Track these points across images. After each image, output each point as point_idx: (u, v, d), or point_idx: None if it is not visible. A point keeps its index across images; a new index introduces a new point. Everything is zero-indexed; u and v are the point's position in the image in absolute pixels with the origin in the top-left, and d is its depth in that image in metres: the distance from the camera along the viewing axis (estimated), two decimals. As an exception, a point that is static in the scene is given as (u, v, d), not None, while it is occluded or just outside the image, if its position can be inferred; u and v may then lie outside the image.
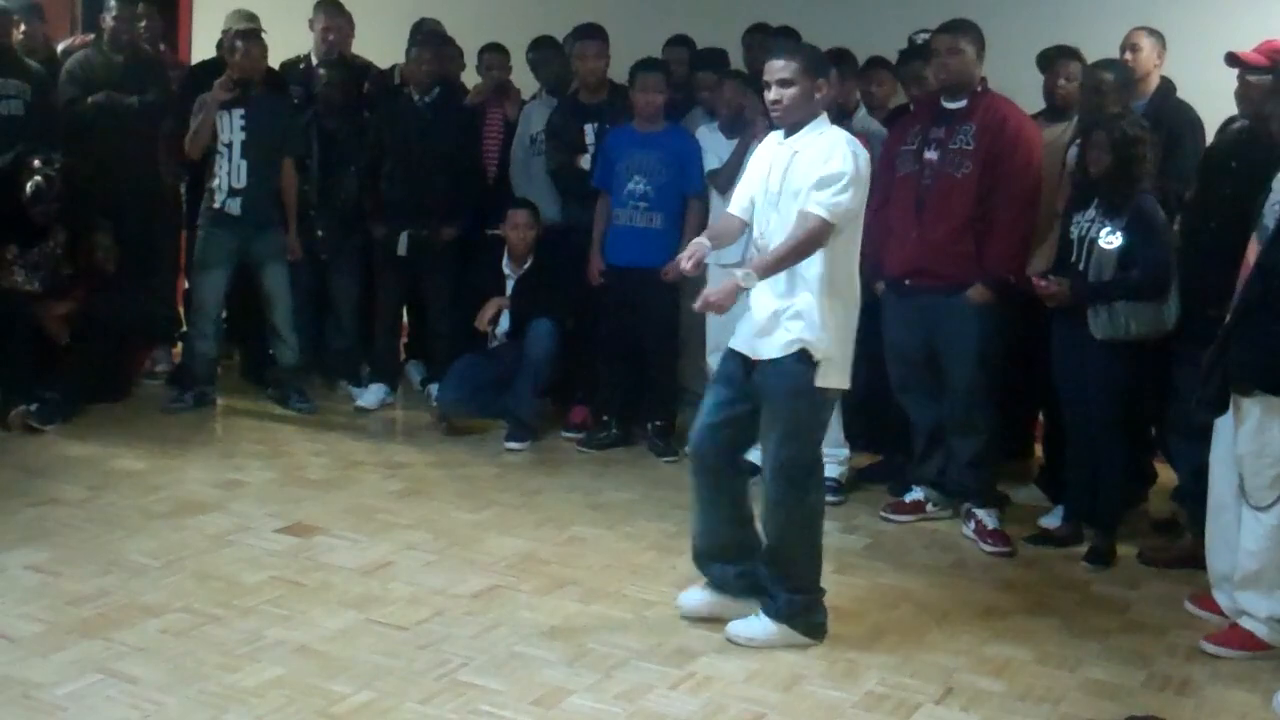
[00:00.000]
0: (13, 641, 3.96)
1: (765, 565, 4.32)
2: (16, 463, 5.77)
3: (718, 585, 4.42)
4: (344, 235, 7.14)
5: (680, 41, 7.04)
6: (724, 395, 4.37)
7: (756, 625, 4.25)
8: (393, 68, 7.44)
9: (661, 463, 6.29)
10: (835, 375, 4.22)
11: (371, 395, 7.05)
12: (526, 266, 6.65)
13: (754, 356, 4.25)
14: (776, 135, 4.36)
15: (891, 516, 5.60)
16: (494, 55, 7.26)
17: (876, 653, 4.24)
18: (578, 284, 6.54)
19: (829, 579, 4.82)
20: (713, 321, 6.33)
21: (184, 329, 7.41)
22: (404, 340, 7.57)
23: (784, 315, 4.16)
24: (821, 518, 4.35)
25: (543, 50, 7.09)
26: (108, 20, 7.13)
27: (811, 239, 4.09)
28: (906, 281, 5.47)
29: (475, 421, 6.67)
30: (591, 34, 6.65)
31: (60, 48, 7.56)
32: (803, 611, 4.27)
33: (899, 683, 4.02)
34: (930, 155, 5.41)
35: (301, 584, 4.55)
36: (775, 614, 4.25)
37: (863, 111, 6.21)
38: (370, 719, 3.61)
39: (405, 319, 7.48)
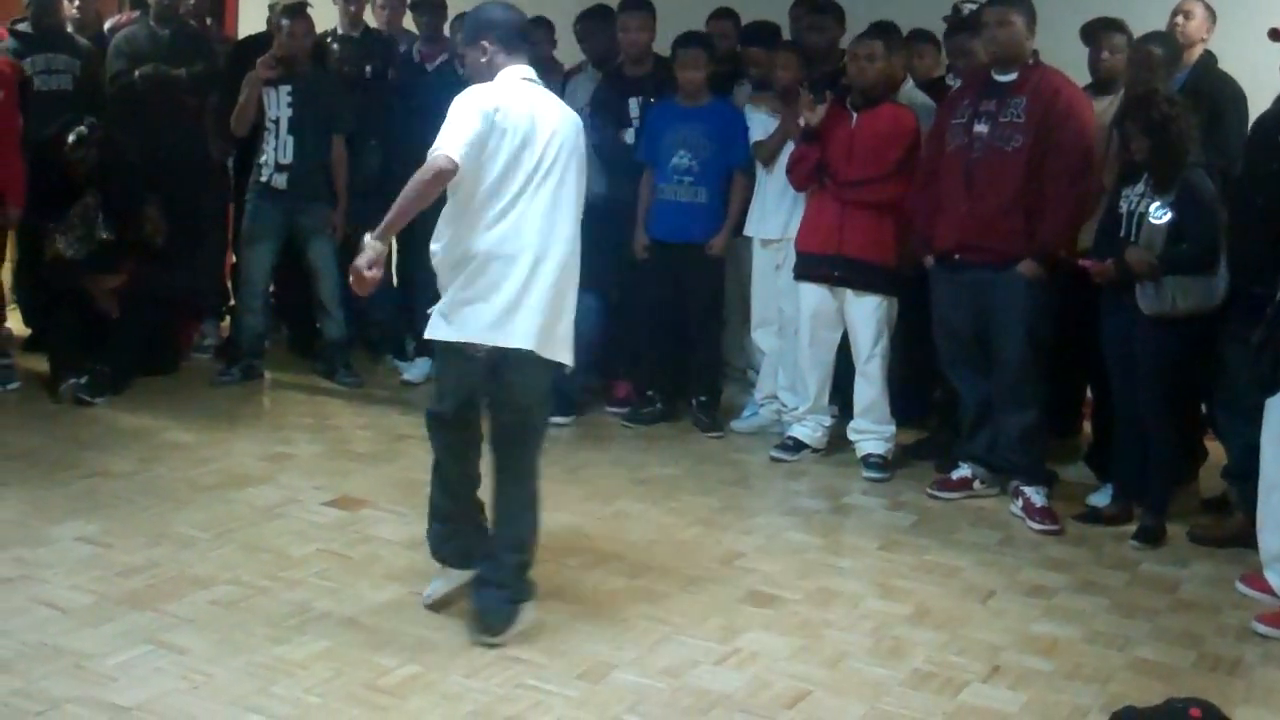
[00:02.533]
0: (64, 612, 4.01)
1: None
2: (67, 435, 5.83)
3: None
4: (370, 209, 7.13)
5: (725, 14, 6.99)
6: None
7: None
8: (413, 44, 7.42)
9: (706, 438, 6.29)
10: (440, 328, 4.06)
11: (417, 369, 7.07)
12: (571, 241, 6.63)
13: None
14: None
15: (938, 493, 5.57)
16: (539, 29, 7.23)
17: (923, 630, 4.22)
18: (621, 258, 6.52)
19: (874, 556, 4.86)
20: (757, 296, 6.32)
21: (232, 303, 7.47)
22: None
23: None
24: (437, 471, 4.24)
25: (590, 22, 7.05)
26: (154, -7, 7.16)
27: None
28: (956, 256, 5.43)
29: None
30: (635, 6, 6.61)
31: (107, 25, 7.59)
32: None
33: (945, 660, 4.00)
34: (980, 129, 5.36)
35: (348, 557, 4.58)
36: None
37: (909, 84, 6.16)
38: (416, 692, 3.63)
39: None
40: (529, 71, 4.09)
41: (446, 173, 3.81)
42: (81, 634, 3.87)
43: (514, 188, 3.93)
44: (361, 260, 3.83)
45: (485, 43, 4.06)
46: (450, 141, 3.82)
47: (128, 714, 3.43)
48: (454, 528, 4.22)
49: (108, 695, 3.52)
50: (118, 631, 3.90)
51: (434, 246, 4.04)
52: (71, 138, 6.48)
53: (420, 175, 3.83)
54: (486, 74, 4.04)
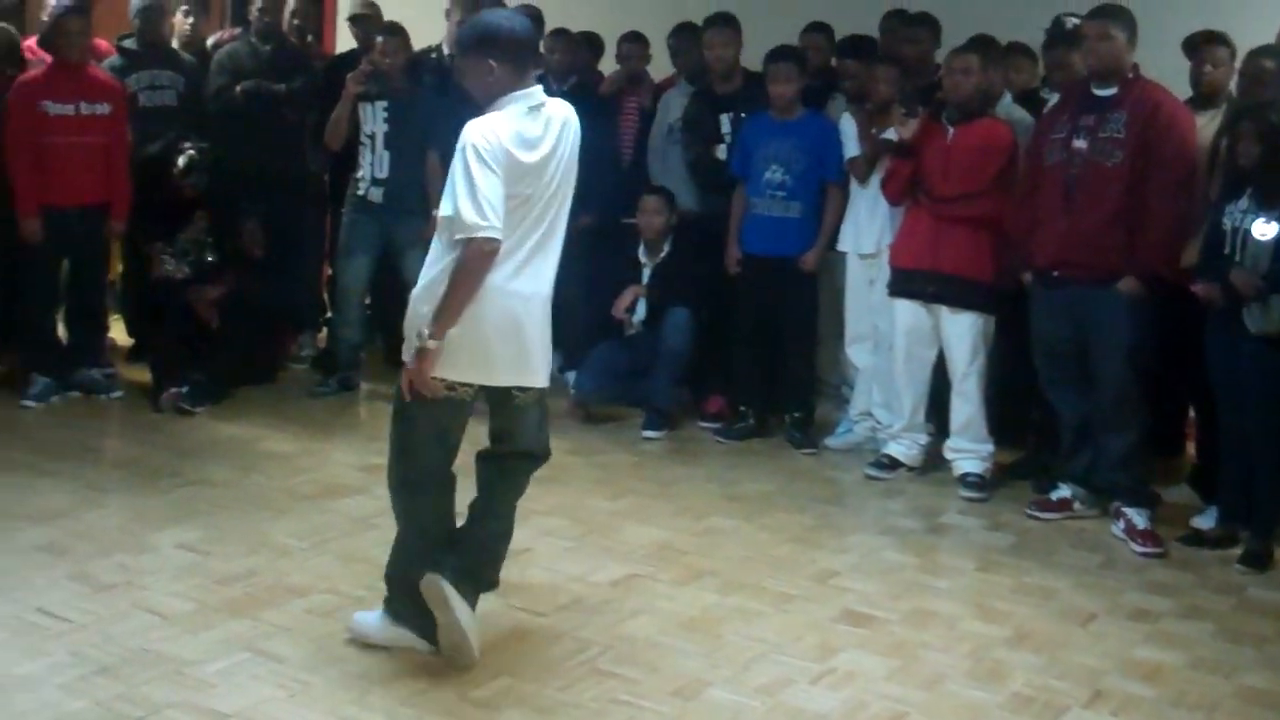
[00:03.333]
0: (165, 619, 4.06)
1: None
2: (168, 444, 5.92)
3: None
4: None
5: (818, 28, 6.95)
6: None
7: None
8: None
9: (799, 454, 6.25)
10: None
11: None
12: (663, 255, 6.64)
13: None
14: None
15: (1038, 514, 5.48)
16: (632, 44, 7.27)
17: (1022, 652, 4.16)
18: (714, 273, 6.51)
19: (971, 576, 4.80)
20: (852, 311, 6.28)
21: (329, 315, 7.54)
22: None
23: None
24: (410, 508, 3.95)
25: (683, 37, 7.06)
26: (254, 11, 7.28)
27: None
28: (1055, 273, 5.35)
29: (612, 409, 6.68)
30: (719, 23, 6.60)
31: (210, 42, 7.72)
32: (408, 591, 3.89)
33: (1045, 685, 3.93)
34: (1079, 144, 5.28)
35: (443, 568, 4.60)
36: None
37: (1008, 98, 6.09)
38: (509, 704, 3.63)
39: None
40: (537, 96, 3.72)
41: (492, 254, 3.56)
42: (182, 640, 3.91)
43: (530, 229, 3.69)
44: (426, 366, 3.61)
45: (491, 61, 3.66)
46: (479, 214, 3.51)
47: (226, 720, 3.47)
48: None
49: (207, 701, 3.55)
50: (217, 639, 3.94)
51: (428, 278, 3.70)
52: (182, 161, 6.60)
53: (469, 266, 3.54)
54: (488, 95, 3.70)
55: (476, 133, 3.58)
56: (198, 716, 3.47)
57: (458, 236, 3.55)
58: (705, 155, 6.63)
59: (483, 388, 3.78)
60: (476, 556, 3.95)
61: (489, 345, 3.67)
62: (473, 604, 3.87)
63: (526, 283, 3.70)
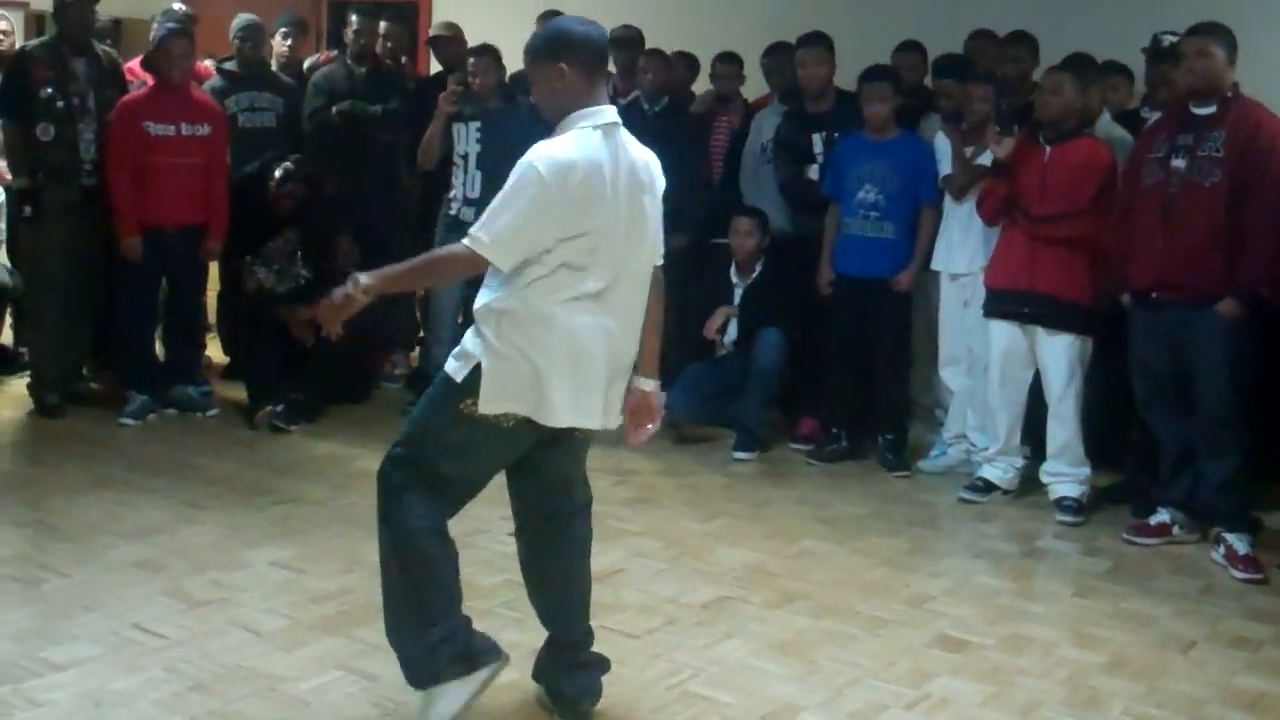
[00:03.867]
0: (259, 636, 4.11)
1: None
2: (263, 461, 5.99)
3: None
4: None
5: (912, 47, 6.92)
6: None
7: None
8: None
9: (892, 477, 6.19)
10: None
11: (600, 403, 7.09)
12: (754, 275, 6.63)
13: None
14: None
15: (1135, 539, 5.39)
16: (725, 65, 7.28)
17: (1120, 679, 4.09)
18: (806, 294, 6.48)
19: (1068, 602, 4.71)
20: (946, 333, 6.22)
21: (421, 334, 7.60)
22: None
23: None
24: (410, 550, 3.48)
25: (776, 56, 7.06)
26: (350, 34, 7.38)
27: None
28: (1153, 294, 5.27)
29: (703, 430, 6.67)
30: (811, 42, 6.58)
31: (306, 64, 7.84)
32: (433, 652, 3.45)
33: (1144, 713, 3.87)
34: (1177, 163, 5.21)
35: (534, 588, 4.60)
36: (412, 679, 3.53)
37: (1106, 117, 6.02)
38: (603, 726, 3.63)
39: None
40: (609, 114, 3.43)
41: (476, 269, 3.39)
42: (275, 657, 3.96)
43: (606, 261, 3.38)
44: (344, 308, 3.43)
45: (564, 64, 3.39)
46: (492, 236, 3.32)
47: (320, 737, 3.50)
48: (456, 622, 3.52)
49: (301, 718, 3.59)
50: (310, 656, 3.98)
51: (487, 298, 3.41)
52: (278, 173, 6.71)
53: (451, 265, 3.49)
54: (557, 105, 3.43)
55: (544, 160, 3.31)
56: (292, 733, 3.51)
57: (469, 234, 3.36)
58: (797, 176, 6.61)
59: (536, 431, 3.43)
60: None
61: (555, 377, 3.36)
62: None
63: (599, 317, 3.40)
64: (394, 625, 3.51)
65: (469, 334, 3.45)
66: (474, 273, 3.44)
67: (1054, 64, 5.85)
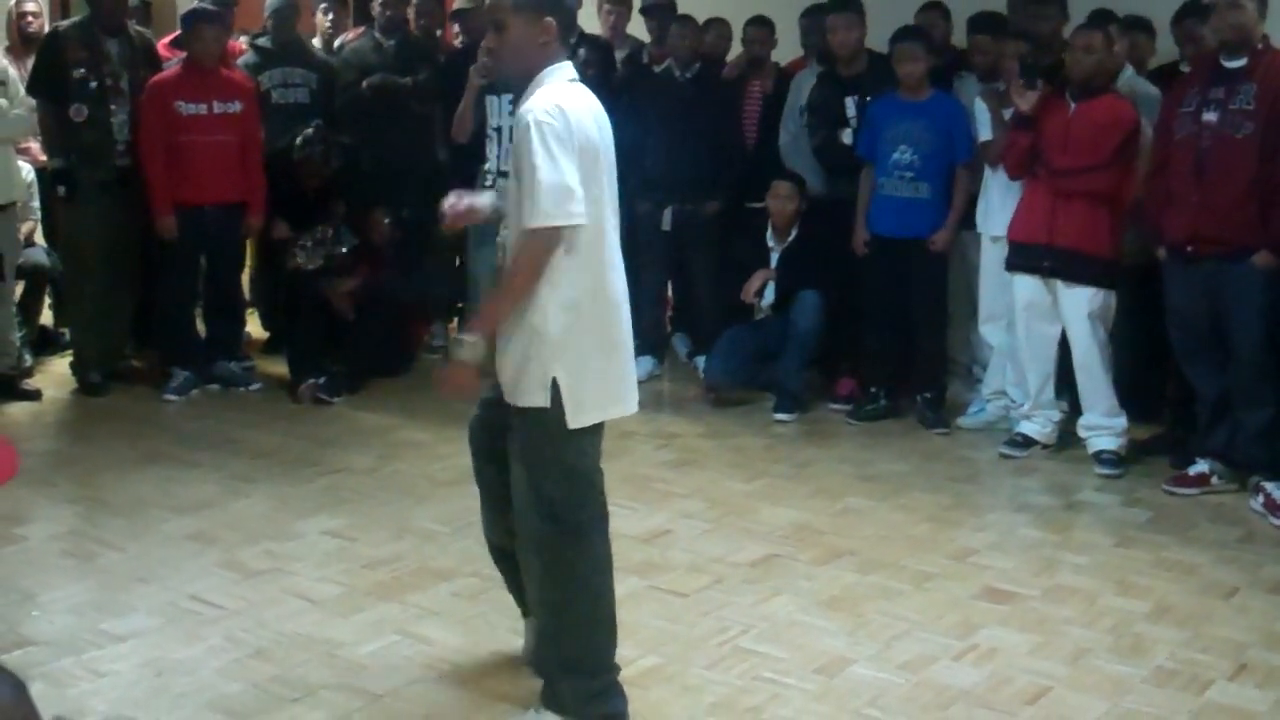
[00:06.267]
0: (314, 603, 4.18)
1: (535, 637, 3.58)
2: (308, 433, 6.07)
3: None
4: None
5: (934, 6, 6.90)
6: None
7: None
8: (642, 47, 7.52)
9: (932, 434, 6.22)
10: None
11: (639, 367, 7.10)
12: (791, 239, 6.65)
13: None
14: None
15: (1175, 490, 5.41)
16: (756, 28, 7.27)
17: (1164, 626, 4.13)
18: (843, 255, 6.50)
19: (1110, 552, 4.74)
20: (986, 291, 6.23)
21: (460, 305, 7.66)
22: (669, 313, 7.66)
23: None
24: (594, 575, 3.38)
25: (813, 18, 7.05)
26: (377, 6, 7.40)
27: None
28: (1188, 248, 5.28)
29: (743, 393, 6.71)
30: (841, 7, 6.58)
31: (336, 42, 7.86)
32: (588, 701, 3.38)
33: (1189, 658, 3.90)
34: (1209, 117, 5.20)
35: (583, 551, 4.66)
36: (552, 704, 3.42)
37: (1129, 71, 6.01)
38: (657, 683, 3.68)
39: (670, 292, 7.58)
40: (571, 69, 3.35)
41: (559, 240, 3.19)
42: (333, 624, 4.03)
43: (612, 220, 3.33)
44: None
45: (551, 19, 3.26)
46: (565, 198, 3.13)
47: (380, 701, 3.57)
48: (613, 677, 3.47)
49: (360, 682, 3.66)
50: (367, 622, 4.05)
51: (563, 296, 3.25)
52: (298, 140, 6.74)
53: (541, 258, 3.18)
54: (530, 61, 3.28)
55: (544, 111, 3.15)
56: (351, 697, 3.58)
57: (533, 225, 3.13)
58: (831, 139, 6.62)
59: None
60: None
61: (611, 366, 3.32)
62: None
63: (619, 283, 3.34)
64: (557, 659, 3.41)
65: (521, 361, 3.29)
66: (555, 254, 3.19)
67: (1081, 22, 5.84)
